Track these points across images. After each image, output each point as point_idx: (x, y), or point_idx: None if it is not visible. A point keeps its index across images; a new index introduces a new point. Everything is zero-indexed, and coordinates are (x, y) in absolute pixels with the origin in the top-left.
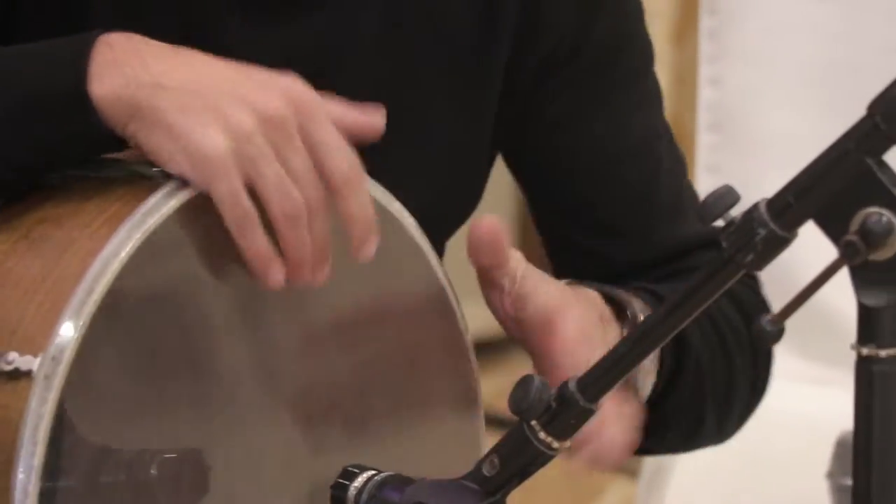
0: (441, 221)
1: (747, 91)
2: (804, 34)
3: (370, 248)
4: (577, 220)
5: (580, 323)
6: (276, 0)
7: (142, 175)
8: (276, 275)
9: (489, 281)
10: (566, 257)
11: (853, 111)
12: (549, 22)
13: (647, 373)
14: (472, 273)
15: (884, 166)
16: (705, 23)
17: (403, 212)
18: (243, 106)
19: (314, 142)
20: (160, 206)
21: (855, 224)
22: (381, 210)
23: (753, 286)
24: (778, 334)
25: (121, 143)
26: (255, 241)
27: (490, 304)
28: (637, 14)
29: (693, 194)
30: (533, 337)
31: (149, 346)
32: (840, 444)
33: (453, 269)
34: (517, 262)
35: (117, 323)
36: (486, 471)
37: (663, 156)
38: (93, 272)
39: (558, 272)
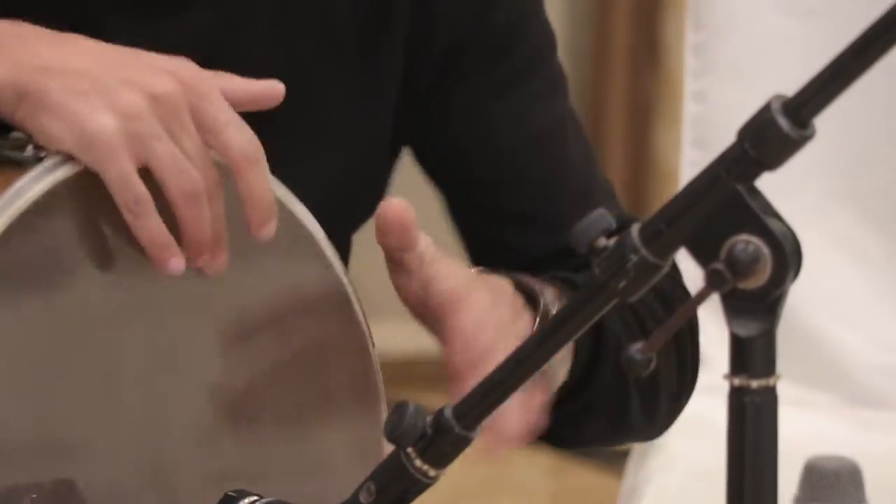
0: (342, 215)
1: (732, 107)
2: (789, 50)
3: (270, 229)
4: (485, 210)
5: (486, 306)
6: None
7: (11, 160)
8: (175, 261)
9: (397, 263)
10: (480, 249)
11: (837, 127)
12: (442, 12)
13: (560, 361)
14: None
15: (755, 193)
16: (691, 38)
17: (297, 205)
18: (133, 86)
19: (208, 120)
20: (26, 190)
21: (723, 252)
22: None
23: (675, 276)
24: (646, 363)
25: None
26: (149, 226)
27: (397, 286)
28: (534, 2)
29: (606, 183)
30: (438, 321)
31: (19, 333)
32: (808, 470)
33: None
34: (426, 245)
35: None
36: (363, 498)
37: (569, 144)
38: None
39: (475, 265)
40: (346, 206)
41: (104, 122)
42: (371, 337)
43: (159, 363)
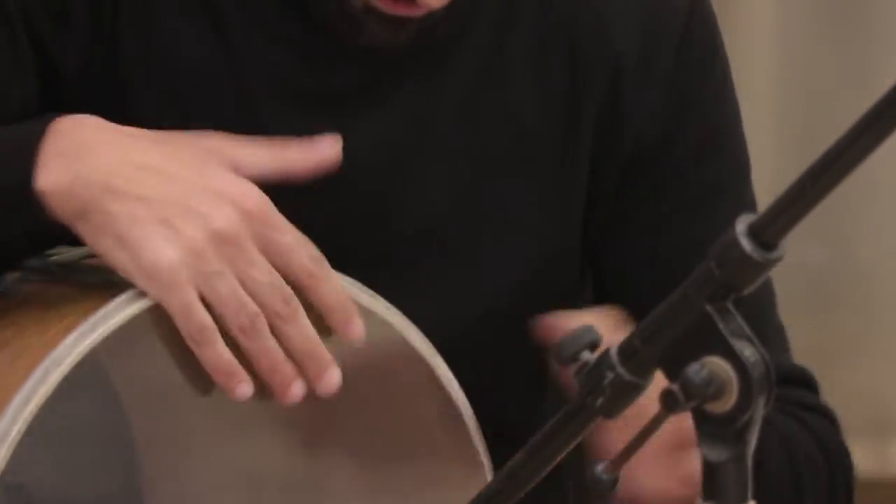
0: (530, 310)
1: None
2: None
3: (356, 329)
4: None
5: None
6: (338, 95)
7: (113, 283)
8: (241, 387)
9: None
10: None
11: None
12: (632, 124)
13: None
14: None
15: (727, 315)
16: None
17: (379, 304)
18: (194, 220)
19: (273, 247)
20: (113, 314)
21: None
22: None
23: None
24: (612, 483)
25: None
26: (213, 354)
27: None
28: (734, 118)
29: (780, 326)
30: None
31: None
32: None
33: None
34: None
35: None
36: None
37: None
38: (32, 381)
39: None
40: (536, 300)
41: (166, 254)
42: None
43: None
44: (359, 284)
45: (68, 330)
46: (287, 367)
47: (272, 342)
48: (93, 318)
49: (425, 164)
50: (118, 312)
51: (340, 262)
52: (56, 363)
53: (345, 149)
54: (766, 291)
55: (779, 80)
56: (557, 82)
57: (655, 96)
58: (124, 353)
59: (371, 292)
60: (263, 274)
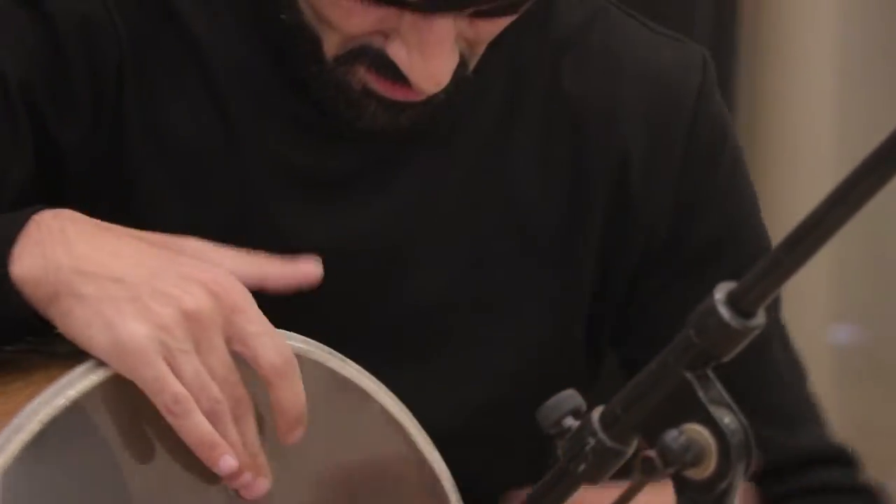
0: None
1: None
2: None
3: (296, 436)
4: None
5: None
6: (339, 178)
7: (81, 352)
8: (225, 459)
9: None
10: None
11: None
12: (642, 217)
13: None
14: None
15: (707, 382)
16: None
17: (377, 388)
18: (166, 299)
19: (240, 332)
20: (75, 383)
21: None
22: (356, 390)
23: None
24: None
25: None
26: (193, 425)
27: None
28: (749, 206)
29: (816, 404)
30: None
31: None
32: None
33: None
34: None
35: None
36: None
37: (777, 359)
38: None
39: None
40: (537, 388)
41: (137, 330)
42: None
43: None
44: (357, 367)
45: (30, 398)
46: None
47: (234, 431)
48: (53, 387)
49: (426, 248)
50: (79, 381)
51: (340, 345)
52: (16, 430)
53: (345, 232)
54: (795, 367)
55: (839, 86)
56: (562, 171)
57: (664, 190)
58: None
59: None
60: (221, 366)
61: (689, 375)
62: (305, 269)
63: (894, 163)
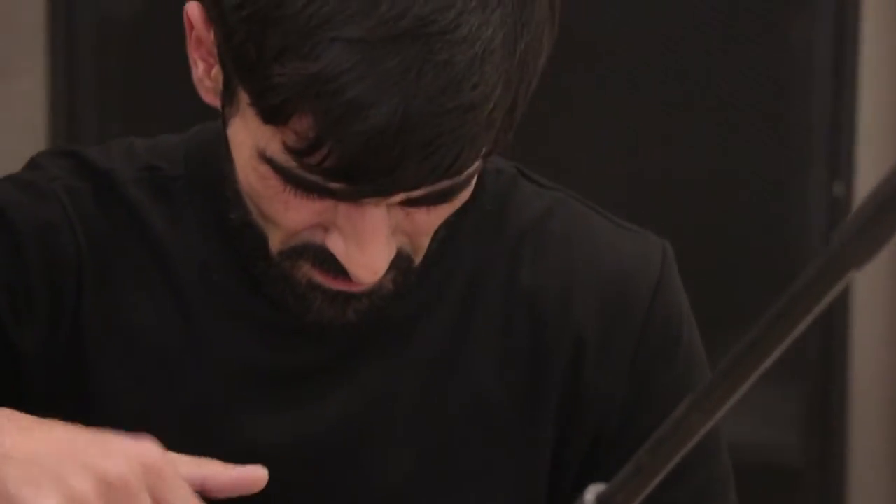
0: None
1: None
2: None
3: None
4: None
5: None
6: (298, 373)
7: None
8: None
9: None
10: None
11: None
12: (593, 404)
13: None
14: None
15: None
16: None
17: None
18: (84, 471)
19: (164, 502)
20: None
21: None
22: None
23: None
24: None
25: None
26: None
27: None
28: (698, 361)
29: None
30: None
31: None
32: None
33: None
34: None
35: None
36: None
37: None
38: None
39: None
40: None
41: None
42: None
43: None
44: None
45: None
46: None
47: None
48: None
49: (388, 439)
50: None
51: None
52: None
53: (308, 424)
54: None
55: None
56: (521, 358)
57: (615, 380)
58: None
59: None
60: None
61: None
62: (250, 475)
63: (746, 371)
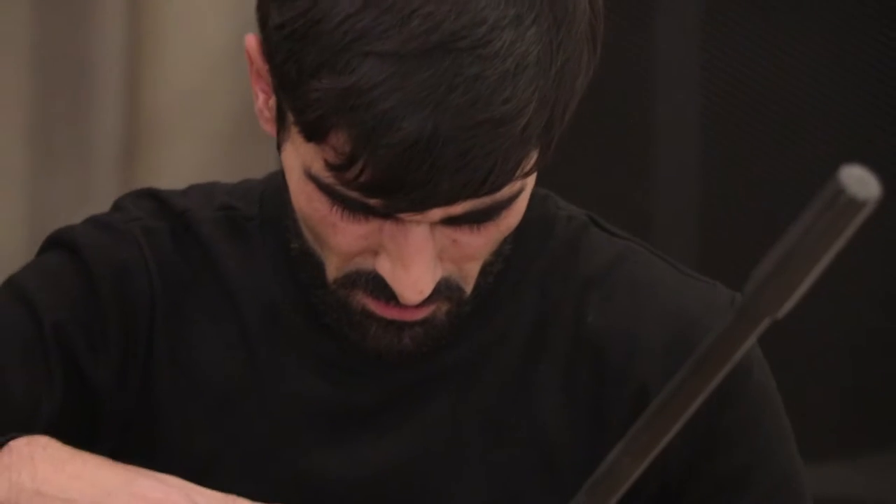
0: None
1: None
2: None
3: None
4: None
5: None
6: (362, 409)
7: None
8: None
9: None
10: None
11: None
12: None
13: None
14: None
15: None
16: None
17: None
18: None
19: None
20: None
21: None
22: None
23: None
24: None
25: None
26: None
27: None
28: (773, 444)
29: None
30: None
31: None
32: None
33: None
34: None
35: None
36: None
37: None
38: None
39: None
40: None
41: None
42: None
43: None
44: None
45: None
46: None
47: None
48: None
49: (452, 479)
50: None
51: None
52: None
53: (369, 461)
54: None
55: None
56: (585, 405)
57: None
58: None
59: None
60: None
61: None
62: None
63: (670, 417)
